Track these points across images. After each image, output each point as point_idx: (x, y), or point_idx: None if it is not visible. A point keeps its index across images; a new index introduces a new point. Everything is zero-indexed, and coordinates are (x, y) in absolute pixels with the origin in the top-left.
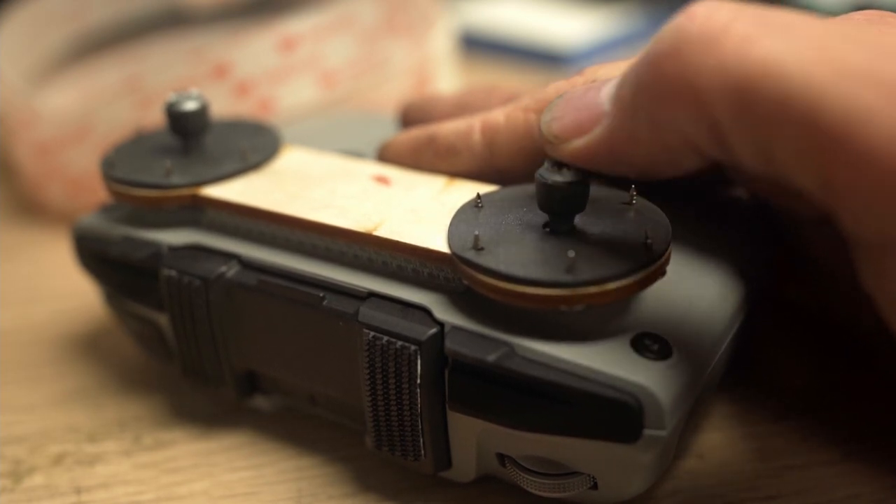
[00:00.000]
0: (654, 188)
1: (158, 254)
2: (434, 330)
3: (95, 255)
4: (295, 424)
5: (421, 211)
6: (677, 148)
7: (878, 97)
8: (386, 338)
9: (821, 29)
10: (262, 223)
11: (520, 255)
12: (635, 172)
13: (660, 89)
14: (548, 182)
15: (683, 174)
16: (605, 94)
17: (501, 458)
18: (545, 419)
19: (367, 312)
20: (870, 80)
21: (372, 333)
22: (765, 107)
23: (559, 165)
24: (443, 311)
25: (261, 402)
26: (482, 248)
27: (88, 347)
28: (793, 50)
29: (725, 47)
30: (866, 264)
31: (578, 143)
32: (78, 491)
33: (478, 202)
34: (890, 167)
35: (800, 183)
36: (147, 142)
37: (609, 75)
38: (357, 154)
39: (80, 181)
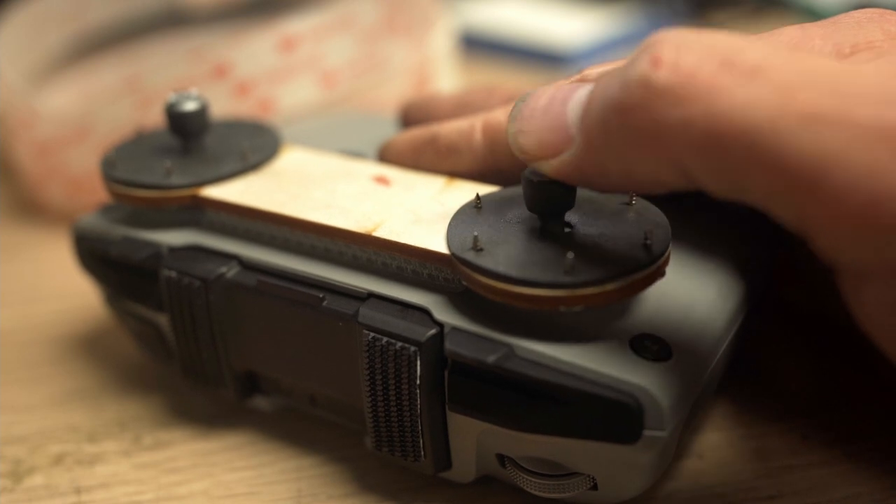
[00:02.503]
0: None
1: (158, 254)
2: (433, 331)
3: (95, 256)
4: (295, 424)
5: (420, 211)
6: (647, 184)
7: (845, 140)
8: (385, 339)
9: (787, 70)
10: (261, 224)
11: (519, 256)
12: (609, 192)
13: (627, 137)
14: (533, 181)
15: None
16: (572, 115)
17: (501, 458)
18: (545, 420)
19: (366, 313)
20: (836, 124)
21: (371, 334)
22: (734, 156)
23: None
24: (442, 311)
25: (261, 402)
26: (481, 249)
27: (88, 347)
28: (759, 99)
29: (692, 101)
30: (847, 290)
31: (548, 165)
32: (78, 491)
33: (477, 203)
34: (860, 204)
35: (775, 216)
36: (147, 142)
37: None
38: (357, 154)
39: (80, 181)
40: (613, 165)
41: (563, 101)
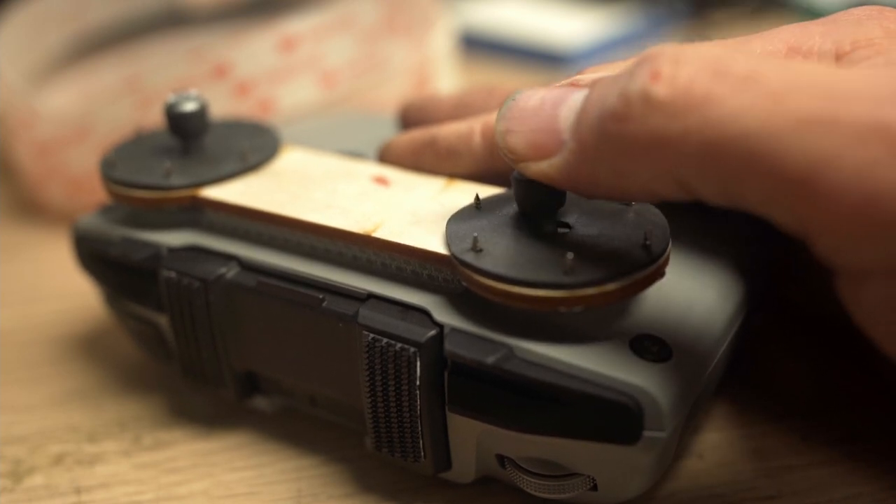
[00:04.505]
0: None
1: (158, 255)
2: (433, 332)
3: (95, 256)
4: (295, 425)
5: (420, 212)
6: (639, 193)
7: (837, 141)
8: (385, 339)
9: (778, 76)
10: (261, 224)
11: (518, 257)
12: (597, 198)
13: (624, 148)
14: (521, 180)
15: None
16: (564, 120)
17: (501, 459)
18: (544, 421)
19: (366, 314)
20: (829, 126)
21: (371, 335)
22: (730, 164)
23: None
24: (442, 312)
25: (261, 402)
26: (481, 250)
27: (88, 347)
28: (751, 105)
29: (689, 112)
30: (845, 291)
31: (537, 167)
32: (78, 491)
33: (476, 204)
34: (857, 203)
35: (772, 220)
36: (147, 142)
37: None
38: (357, 154)
39: (80, 181)
40: (605, 174)
41: (555, 104)
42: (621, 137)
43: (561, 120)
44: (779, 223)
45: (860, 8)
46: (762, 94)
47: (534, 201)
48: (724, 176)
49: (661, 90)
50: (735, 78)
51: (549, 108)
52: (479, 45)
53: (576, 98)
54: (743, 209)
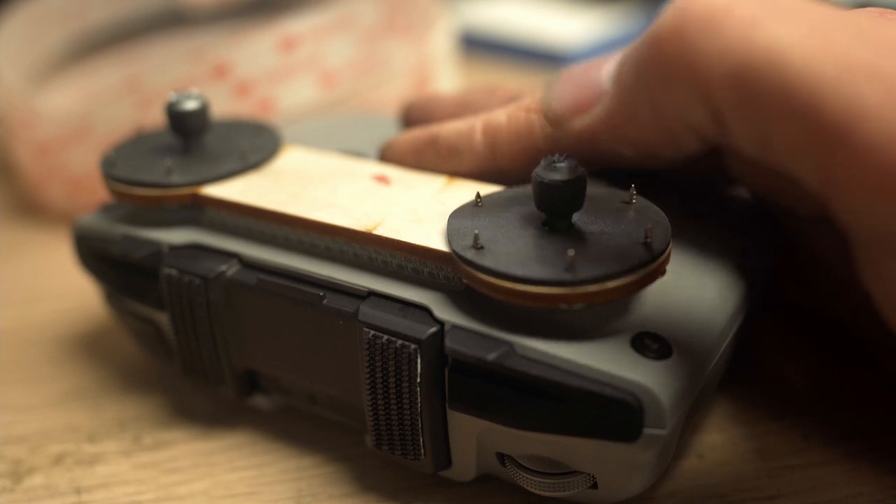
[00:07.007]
0: (655, 187)
1: (158, 253)
2: (434, 329)
3: (95, 255)
4: (295, 424)
5: (421, 210)
6: (678, 130)
7: (880, 94)
8: (386, 337)
9: (826, 17)
10: (262, 222)
11: (519, 254)
12: (636, 153)
13: (660, 70)
14: (544, 181)
15: (684, 157)
16: (606, 73)
17: (501, 457)
18: (545, 418)
19: (366, 311)
20: (873, 76)
21: (372, 332)
22: (765, 94)
23: (555, 163)
24: (443, 309)
25: (261, 401)
26: (482, 247)
27: (88, 347)
28: (797, 37)
29: (728, 29)
30: (865, 263)
31: (579, 122)
32: (78, 491)
33: (478, 201)
34: (890, 164)
35: (798, 174)
36: (147, 141)
37: None
38: (357, 154)
39: (80, 181)
40: (645, 111)
41: (600, 65)
42: (658, 61)
43: (603, 74)
44: (804, 180)
45: (863, 9)
46: (809, 30)
47: (555, 201)
48: (758, 109)
49: (697, 5)
50: (783, 9)
51: (594, 69)
52: (479, 45)
53: (616, 57)
54: (770, 163)
